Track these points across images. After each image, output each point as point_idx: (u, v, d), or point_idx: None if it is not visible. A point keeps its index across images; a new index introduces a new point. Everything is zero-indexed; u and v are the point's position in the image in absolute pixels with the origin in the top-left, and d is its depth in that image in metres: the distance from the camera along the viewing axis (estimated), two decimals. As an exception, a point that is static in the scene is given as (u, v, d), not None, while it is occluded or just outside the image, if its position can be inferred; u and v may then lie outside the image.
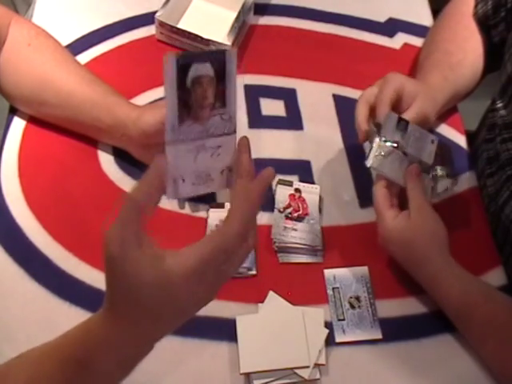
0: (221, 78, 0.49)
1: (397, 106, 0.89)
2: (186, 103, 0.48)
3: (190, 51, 0.45)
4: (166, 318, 0.56)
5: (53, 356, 0.57)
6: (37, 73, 0.88)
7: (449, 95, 0.95)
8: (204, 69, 0.48)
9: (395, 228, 0.81)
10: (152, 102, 0.98)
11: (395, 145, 0.84)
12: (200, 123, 0.49)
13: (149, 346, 0.57)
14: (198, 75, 0.47)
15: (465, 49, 0.99)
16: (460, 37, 1.00)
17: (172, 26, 1.03)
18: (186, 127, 0.48)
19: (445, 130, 1.03)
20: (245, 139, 0.58)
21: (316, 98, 1.04)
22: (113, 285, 0.54)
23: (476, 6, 1.00)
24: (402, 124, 0.85)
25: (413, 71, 1.07)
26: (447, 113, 1.02)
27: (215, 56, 0.48)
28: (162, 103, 0.88)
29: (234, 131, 0.53)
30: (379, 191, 0.84)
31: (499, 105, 0.96)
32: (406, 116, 0.87)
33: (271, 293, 0.82)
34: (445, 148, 0.89)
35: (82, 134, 0.92)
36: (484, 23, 0.99)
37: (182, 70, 0.46)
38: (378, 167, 0.84)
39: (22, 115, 0.94)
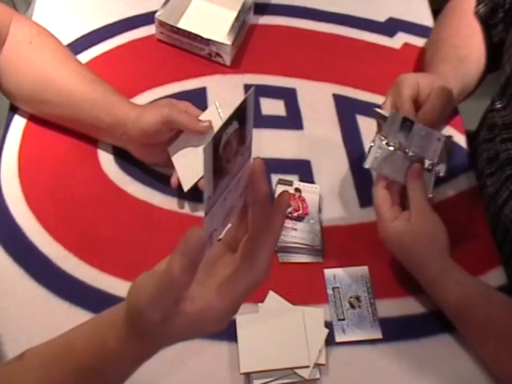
0: (242, 122, 0.47)
1: (415, 103, 0.88)
2: (219, 168, 0.46)
3: (223, 123, 0.45)
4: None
5: (63, 363, 0.57)
6: (38, 71, 0.88)
7: (460, 84, 0.95)
8: (231, 128, 0.46)
9: (395, 230, 0.81)
10: (152, 101, 0.98)
11: (396, 146, 0.84)
12: (228, 175, 0.48)
13: None
14: (227, 138, 0.46)
15: (470, 46, 0.99)
16: (464, 33, 1.00)
17: (172, 26, 1.03)
18: (218, 189, 0.47)
19: (445, 129, 1.02)
20: (259, 162, 0.53)
21: (316, 98, 1.04)
22: (143, 330, 0.52)
23: (477, 5, 1.00)
24: (407, 125, 0.85)
25: (414, 71, 1.07)
26: (447, 113, 1.02)
27: (239, 109, 0.46)
28: (161, 102, 0.88)
29: (250, 155, 0.51)
30: (379, 192, 0.83)
31: (498, 106, 0.96)
32: (430, 101, 0.86)
33: (271, 292, 0.82)
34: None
35: (83, 133, 0.92)
36: (485, 22, 1.00)
37: (216, 144, 0.45)
38: (377, 168, 0.84)
39: (22, 115, 0.94)
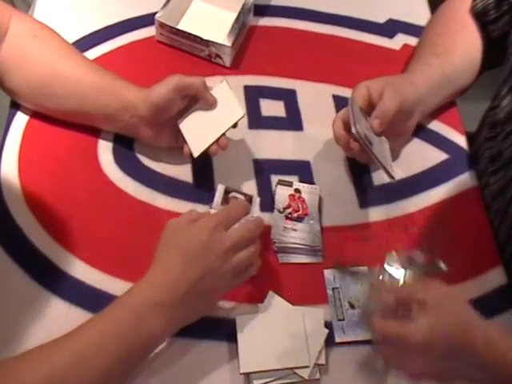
0: None
1: (369, 106, 0.89)
2: None
3: None
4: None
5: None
6: (44, 64, 0.88)
7: (434, 79, 0.94)
8: None
9: (428, 326, 0.70)
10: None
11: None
12: None
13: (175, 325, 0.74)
14: None
15: (454, 40, 0.98)
16: (450, 30, 1.00)
17: (172, 27, 1.04)
18: None
19: (445, 130, 1.03)
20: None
21: (316, 99, 1.04)
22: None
23: (474, 0, 1.00)
24: (363, 112, 0.88)
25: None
26: (447, 113, 1.02)
27: None
28: (166, 79, 0.88)
29: None
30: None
31: (503, 92, 0.93)
32: (382, 100, 0.87)
33: (271, 293, 0.82)
34: None
35: (86, 125, 0.92)
36: (481, 19, 0.99)
37: None
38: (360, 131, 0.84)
39: (23, 115, 0.94)
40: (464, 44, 0.99)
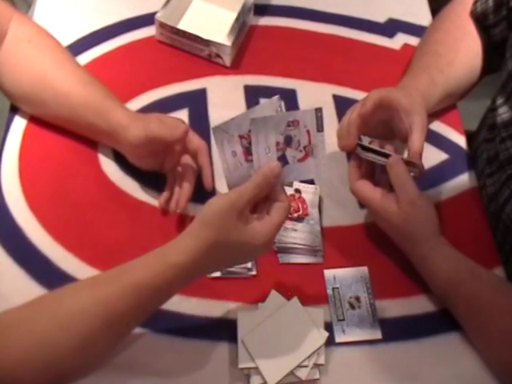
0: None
1: (387, 113, 0.87)
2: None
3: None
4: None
5: (120, 279, 0.66)
6: (36, 70, 0.88)
7: (439, 98, 0.95)
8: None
9: (386, 211, 0.82)
10: (150, 103, 0.99)
11: None
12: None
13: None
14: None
15: (456, 49, 0.98)
16: (452, 37, 0.99)
17: (172, 27, 1.04)
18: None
19: (444, 130, 1.03)
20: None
21: (316, 99, 1.04)
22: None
23: (475, 3, 1.00)
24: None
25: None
26: (446, 113, 1.02)
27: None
28: (151, 118, 0.86)
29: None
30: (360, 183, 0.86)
31: (499, 101, 0.95)
32: (415, 139, 0.84)
33: (273, 291, 0.82)
34: None
35: (82, 135, 0.92)
36: (482, 22, 0.99)
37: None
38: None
39: (23, 116, 0.94)
40: (466, 54, 0.98)
